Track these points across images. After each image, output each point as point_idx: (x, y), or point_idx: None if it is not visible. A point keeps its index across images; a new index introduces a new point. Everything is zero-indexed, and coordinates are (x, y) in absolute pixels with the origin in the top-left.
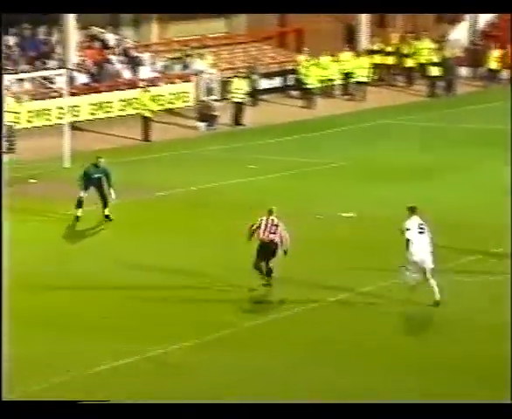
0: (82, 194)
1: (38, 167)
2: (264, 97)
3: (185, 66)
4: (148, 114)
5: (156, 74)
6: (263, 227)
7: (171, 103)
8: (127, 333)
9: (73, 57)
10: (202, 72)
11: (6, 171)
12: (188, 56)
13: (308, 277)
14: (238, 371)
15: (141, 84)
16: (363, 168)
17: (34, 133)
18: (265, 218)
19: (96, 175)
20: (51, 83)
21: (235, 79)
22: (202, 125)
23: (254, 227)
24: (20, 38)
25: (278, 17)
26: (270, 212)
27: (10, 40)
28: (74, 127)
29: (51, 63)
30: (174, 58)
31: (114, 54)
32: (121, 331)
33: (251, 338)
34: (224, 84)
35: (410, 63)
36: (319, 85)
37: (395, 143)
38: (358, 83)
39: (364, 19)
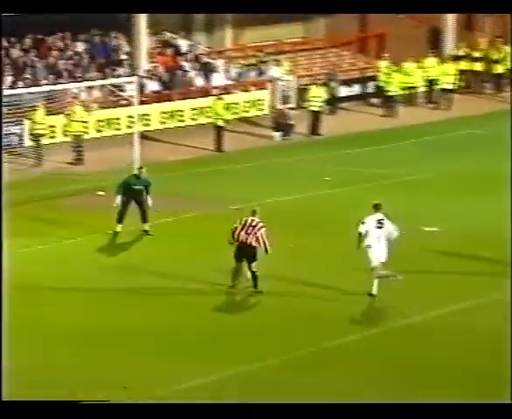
0: (118, 201)
1: (107, 178)
2: (343, 105)
3: (260, 73)
4: (221, 123)
5: (230, 81)
6: (240, 228)
7: (245, 111)
8: (206, 352)
9: (144, 63)
10: (278, 78)
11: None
12: (263, 62)
13: (394, 295)
14: (322, 393)
15: (214, 91)
16: (448, 180)
17: (103, 143)
18: (244, 219)
19: (137, 187)
20: (121, 91)
21: (312, 87)
22: (277, 134)
23: (234, 228)
24: (89, 45)
25: (358, 21)
26: (253, 213)
27: (80, 46)
28: (144, 136)
29: (121, 70)
30: (248, 65)
31: (186, 61)
32: (200, 349)
33: (336, 357)
34: (301, 91)
35: (499, 69)
36: (401, 92)
37: (482, 154)
38: (443, 90)
39: (450, 22)
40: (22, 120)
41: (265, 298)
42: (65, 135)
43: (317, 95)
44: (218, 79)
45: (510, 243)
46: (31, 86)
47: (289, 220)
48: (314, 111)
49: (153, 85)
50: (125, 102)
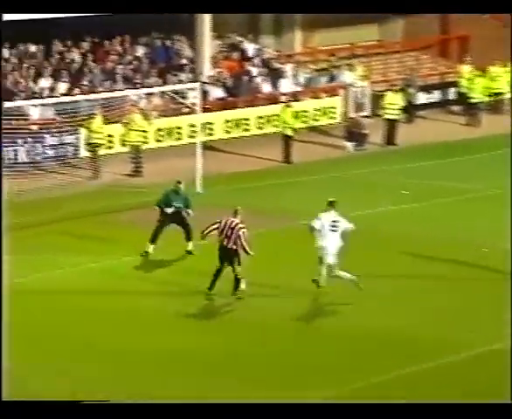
0: (170, 210)
1: None
2: (421, 113)
3: (332, 78)
4: (289, 133)
5: (299, 88)
6: (220, 229)
7: (316, 120)
8: (262, 378)
9: (208, 68)
10: (351, 84)
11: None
12: (335, 67)
13: (476, 319)
14: None
15: (282, 98)
16: None
17: (163, 153)
18: (224, 220)
19: (175, 204)
20: (183, 98)
21: (388, 93)
22: (350, 145)
23: (212, 228)
24: (150, 49)
25: (439, 21)
26: (235, 213)
27: (139, 50)
28: (207, 146)
29: (184, 75)
30: (319, 70)
31: (252, 65)
32: (259, 374)
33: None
34: (376, 98)
35: None
36: (485, 99)
37: None
38: None
39: None
40: (77, 130)
41: (328, 322)
42: (124, 145)
43: (393, 102)
44: (287, 85)
45: (510, 248)
46: (87, 93)
47: (362, 237)
48: (389, 119)
49: (217, 92)
50: (187, 110)
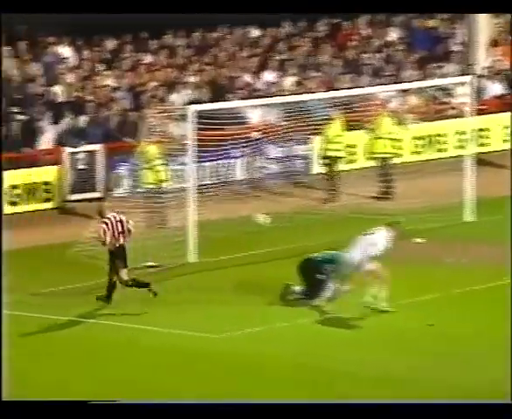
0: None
1: (429, 219)
2: None
3: None
4: None
5: None
6: (110, 229)
7: None
8: None
9: (483, 57)
10: None
11: None
12: None
13: None
14: None
15: None
16: None
17: (421, 169)
18: (107, 219)
19: None
20: (450, 96)
21: None
22: None
23: (102, 232)
24: (407, 31)
25: None
26: (100, 213)
27: (392, 34)
28: (481, 161)
29: (450, 67)
30: None
31: None
32: None
33: None
34: None
35: None
36: None
37: None
38: None
39: None
40: (309, 138)
41: None
42: (369, 159)
43: None
44: None
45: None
46: (322, 90)
47: None
48: None
49: (495, 88)
50: (454, 112)
